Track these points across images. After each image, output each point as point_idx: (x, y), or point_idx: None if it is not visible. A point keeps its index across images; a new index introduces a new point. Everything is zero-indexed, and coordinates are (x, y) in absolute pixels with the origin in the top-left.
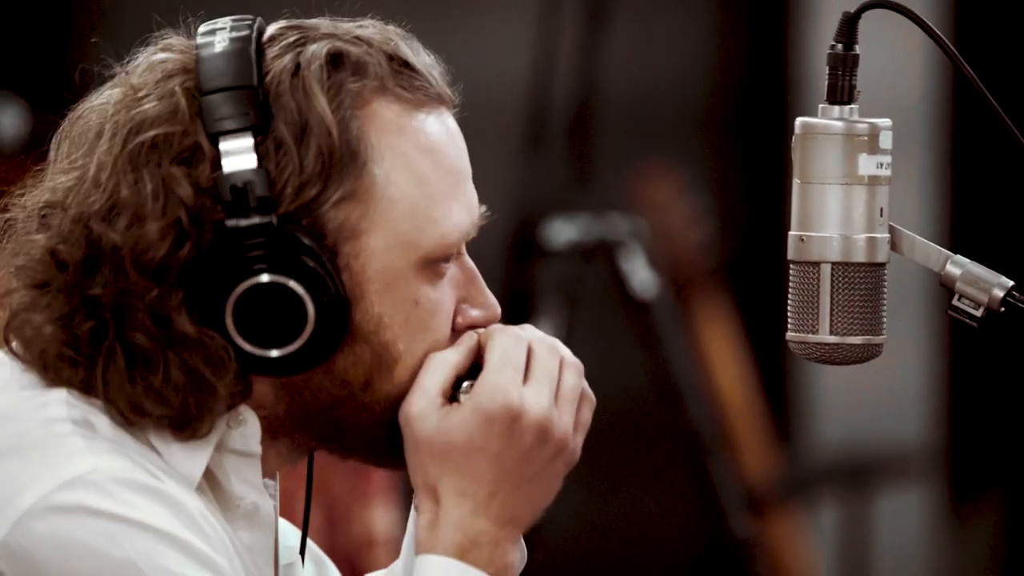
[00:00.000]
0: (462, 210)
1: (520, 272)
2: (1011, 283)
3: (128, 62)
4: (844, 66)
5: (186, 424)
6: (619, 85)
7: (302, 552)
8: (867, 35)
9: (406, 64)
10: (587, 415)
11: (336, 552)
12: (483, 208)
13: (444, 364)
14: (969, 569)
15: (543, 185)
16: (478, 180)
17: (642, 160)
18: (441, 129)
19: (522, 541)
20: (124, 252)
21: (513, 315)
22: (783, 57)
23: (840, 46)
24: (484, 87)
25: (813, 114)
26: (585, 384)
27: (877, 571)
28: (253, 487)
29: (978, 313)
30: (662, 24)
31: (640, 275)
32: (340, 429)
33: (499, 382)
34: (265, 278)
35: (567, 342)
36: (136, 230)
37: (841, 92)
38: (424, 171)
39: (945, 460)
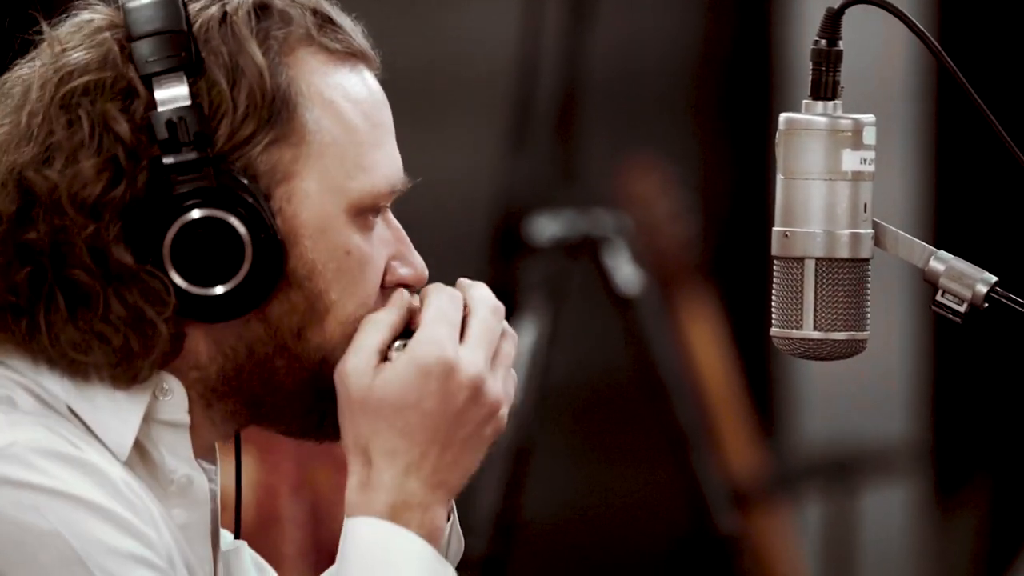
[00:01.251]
0: (390, 163)
1: (504, 268)
2: (995, 279)
3: (54, 27)
4: (828, 62)
5: (128, 365)
6: (604, 81)
7: (237, 535)
8: (851, 31)
9: (329, 19)
10: (512, 390)
11: (320, 548)
12: (408, 177)
13: (380, 324)
14: (954, 564)
15: (527, 181)
16: (464, 174)
17: (626, 156)
18: (364, 85)
19: (459, 529)
20: (60, 191)
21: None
22: (768, 52)
23: (824, 42)
24: (467, 82)
25: (797, 110)
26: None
27: (862, 566)
28: (184, 460)
29: (962, 309)
30: (647, 19)
31: (624, 271)
32: (272, 387)
33: (435, 336)
34: (202, 213)
35: (551, 338)
36: (72, 168)
37: (825, 88)
38: (352, 119)
39: (929, 455)
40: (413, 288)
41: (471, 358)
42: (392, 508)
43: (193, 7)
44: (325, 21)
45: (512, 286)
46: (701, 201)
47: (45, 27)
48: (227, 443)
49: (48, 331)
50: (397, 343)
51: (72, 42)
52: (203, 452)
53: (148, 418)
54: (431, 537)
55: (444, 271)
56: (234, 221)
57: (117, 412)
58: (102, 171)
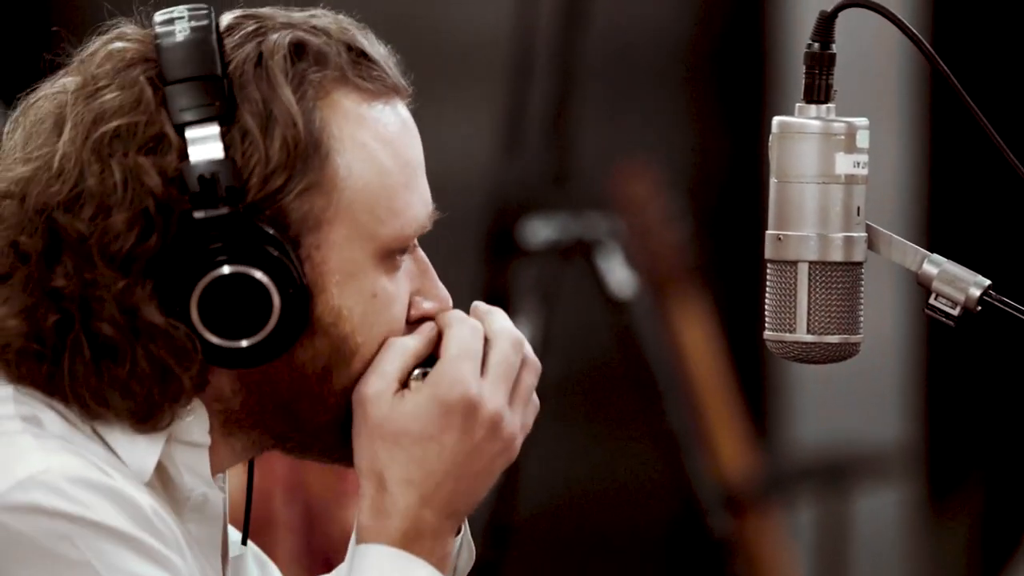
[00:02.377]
0: (419, 202)
1: (498, 271)
2: (988, 282)
3: (81, 50)
4: (821, 65)
5: (150, 416)
6: (596, 83)
7: (244, 541)
8: (844, 34)
9: (363, 54)
10: (531, 419)
11: (314, 552)
12: (434, 206)
13: (404, 350)
14: (946, 567)
15: (520, 184)
16: (457, 177)
17: (620, 159)
18: (397, 120)
19: (470, 540)
20: (91, 242)
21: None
22: (762, 54)
23: (817, 45)
24: (460, 83)
25: (791, 113)
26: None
27: (855, 569)
28: (202, 479)
29: (955, 312)
30: (640, 19)
31: (617, 274)
32: (296, 424)
33: (458, 373)
34: (231, 269)
35: (545, 341)
36: (102, 220)
37: (818, 91)
38: (384, 162)
39: (923, 458)
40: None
41: (492, 395)
42: (405, 536)
43: (229, 42)
44: (359, 57)
45: (505, 289)
46: (694, 204)
47: (74, 53)
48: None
49: (71, 380)
50: (417, 371)
51: (104, 77)
52: (218, 470)
53: (169, 438)
54: (440, 565)
55: (439, 274)
56: (262, 277)
57: (140, 439)
58: (133, 224)
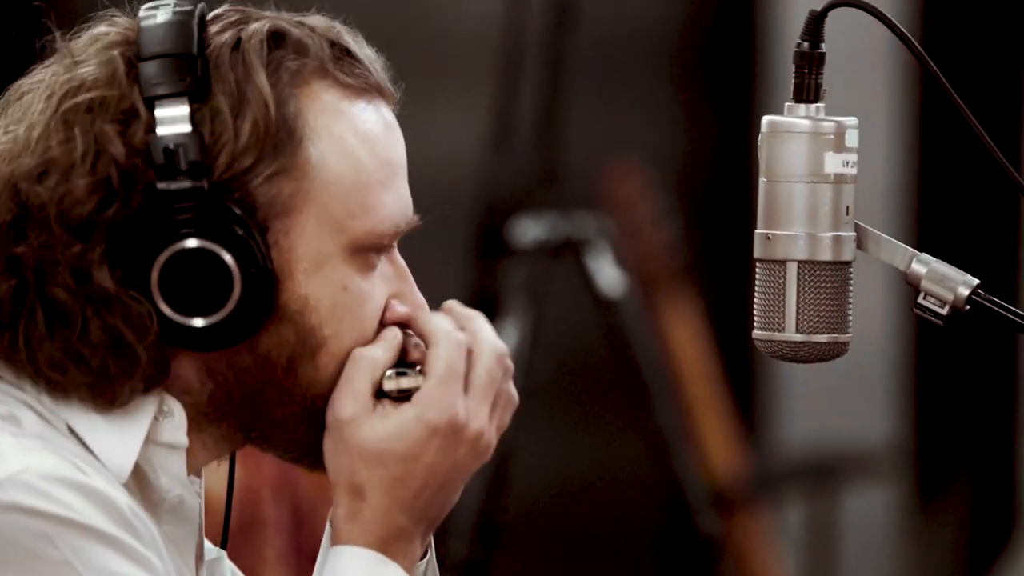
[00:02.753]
0: (395, 202)
1: (486, 270)
2: (976, 281)
3: (71, 38)
4: (810, 64)
5: (106, 388)
6: (589, 82)
7: (224, 545)
8: (833, 33)
9: (347, 52)
10: (507, 418)
11: (302, 552)
12: (416, 216)
13: (372, 364)
14: (935, 566)
15: (509, 183)
16: (446, 176)
17: (609, 159)
18: (379, 119)
19: (436, 564)
20: (49, 208)
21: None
22: (753, 55)
23: (806, 44)
24: (451, 82)
25: (780, 112)
26: (512, 386)
27: (843, 568)
28: (179, 481)
29: (944, 311)
30: (634, 20)
31: (607, 273)
32: (262, 416)
33: (446, 397)
34: (192, 243)
35: (534, 341)
36: (63, 186)
37: (807, 91)
38: (360, 157)
39: (911, 458)
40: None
41: (477, 414)
42: (381, 540)
43: (211, 30)
44: (342, 54)
45: (494, 288)
46: (683, 203)
47: (59, 38)
48: (221, 463)
49: (26, 347)
50: (391, 372)
51: (85, 56)
52: (194, 470)
53: (148, 439)
54: (410, 568)
55: (427, 273)
56: (224, 253)
57: (118, 434)
58: (93, 191)
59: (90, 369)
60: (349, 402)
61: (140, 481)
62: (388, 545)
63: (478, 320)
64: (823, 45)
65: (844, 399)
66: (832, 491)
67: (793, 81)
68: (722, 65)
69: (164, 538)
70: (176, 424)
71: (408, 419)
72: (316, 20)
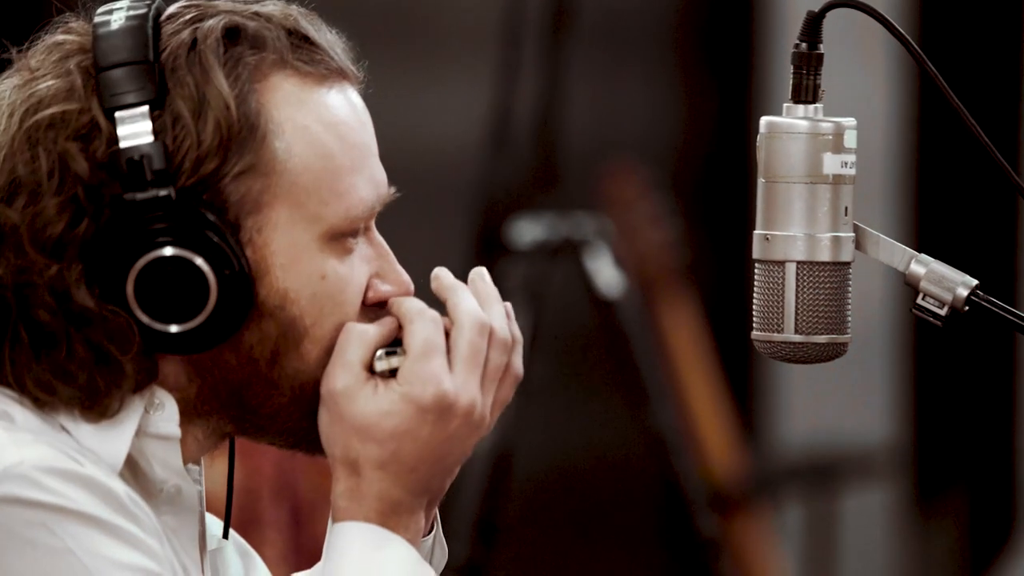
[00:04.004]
0: (367, 184)
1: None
2: (975, 282)
3: (28, 47)
4: (808, 65)
5: (95, 402)
6: (586, 83)
7: (225, 535)
8: (832, 34)
9: (306, 39)
10: (508, 392)
11: (301, 551)
12: (392, 188)
13: (364, 337)
14: (934, 567)
15: (508, 184)
16: (444, 180)
17: (608, 159)
18: (344, 103)
19: (443, 538)
20: (22, 230)
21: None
22: (750, 56)
23: (804, 45)
24: (449, 82)
25: (779, 113)
26: (516, 360)
27: (842, 569)
28: (174, 471)
29: (942, 312)
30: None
31: (606, 274)
32: (251, 409)
33: (428, 372)
34: (165, 251)
35: (532, 341)
36: (33, 208)
37: (806, 91)
38: (327, 144)
39: (910, 459)
40: None
41: (464, 387)
42: (381, 514)
43: (166, 30)
44: (301, 41)
45: None
46: (682, 204)
47: (14, 52)
48: (215, 454)
49: (12, 368)
50: (380, 352)
51: (42, 68)
52: (190, 462)
53: (139, 432)
54: (414, 540)
55: (426, 274)
56: (196, 258)
57: (109, 428)
58: (63, 210)
59: (78, 385)
60: (341, 373)
61: (135, 473)
62: (388, 518)
63: (460, 290)
64: (821, 46)
65: (844, 399)
66: (831, 491)
67: (791, 82)
68: (722, 66)
69: (165, 528)
70: (167, 416)
71: (395, 397)
72: (272, 8)
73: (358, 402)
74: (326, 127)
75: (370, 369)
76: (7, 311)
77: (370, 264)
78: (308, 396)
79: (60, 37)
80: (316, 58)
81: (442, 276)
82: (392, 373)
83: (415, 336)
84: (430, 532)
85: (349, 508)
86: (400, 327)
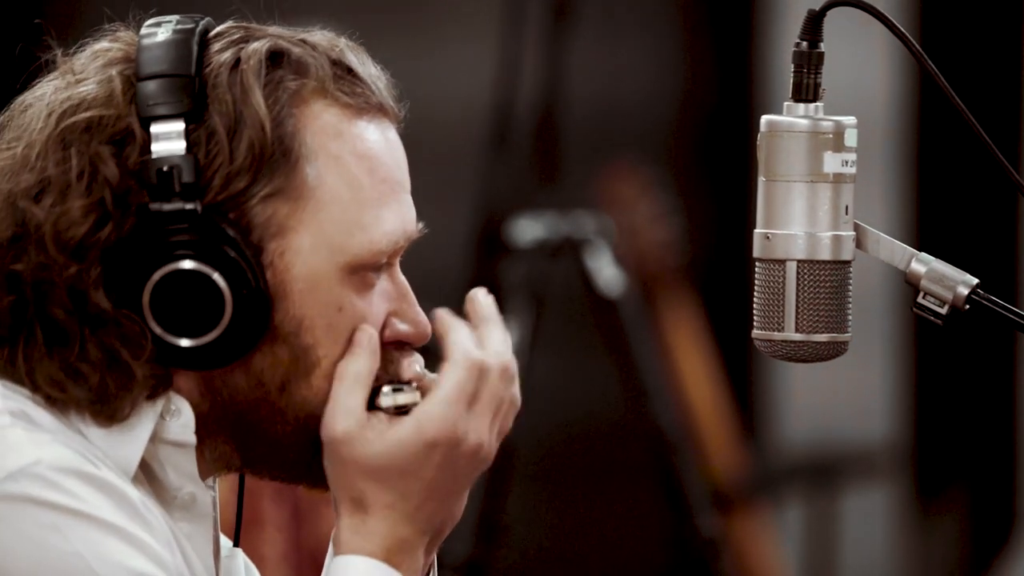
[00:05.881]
0: (395, 219)
1: (486, 270)
2: (976, 281)
3: (75, 52)
4: (809, 64)
5: (105, 404)
6: (585, 83)
7: (236, 543)
8: (832, 33)
9: (349, 70)
10: (509, 422)
11: (302, 551)
12: (420, 224)
13: (357, 377)
14: (935, 566)
15: (509, 183)
16: (444, 177)
17: (608, 158)
18: (380, 138)
19: (435, 560)
20: (45, 228)
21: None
22: (748, 57)
23: (805, 44)
24: (450, 85)
25: (779, 112)
26: (515, 389)
27: (843, 569)
28: (189, 477)
29: (943, 311)
30: (628, 25)
31: (606, 273)
32: (256, 435)
33: (448, 415)
34: (184, 264)
35: (533, 340)
36: (59, 207)
37: (806, 90)
38: (358, 176)
39: (911, 458)
40: (414, 345)
41: (478, 429)
42: (387, 551)
43: (212, 49)
44: (344, 72)
45: (494, 288)
46: (683, 203)
47: (59, 54)
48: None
49: (26, 363)
50: (387, 388)
51: (85, 73)
52: (204, 475)
53: (155, 438)
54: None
55: (427, 274)
56: (215, 275)
57: (123, 432)
58: (88, 213)
59: (89, 387)
60: (341, 419)
61: (150, 478)
62: (392, 555)
63: (492, 328)
64: (822, 44)
65: (844, 398)
66: (832, 490)
67: (792, 80)
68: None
69: (179, 535)
70: (184, 422)
71: (406, 435)
72: (319, 37)
73: (363, 445)
74: (359, 159)
75: (372, 405)
76: (24, 307)
77: (390, 302)
78: (313, 429)
79: (106, 44)
80: (357, 91)
81: (478, 307)
82: (399, 410)
83: (449, 378)
84: (427, 572)
85: (352, 542)
86: (399, 361)
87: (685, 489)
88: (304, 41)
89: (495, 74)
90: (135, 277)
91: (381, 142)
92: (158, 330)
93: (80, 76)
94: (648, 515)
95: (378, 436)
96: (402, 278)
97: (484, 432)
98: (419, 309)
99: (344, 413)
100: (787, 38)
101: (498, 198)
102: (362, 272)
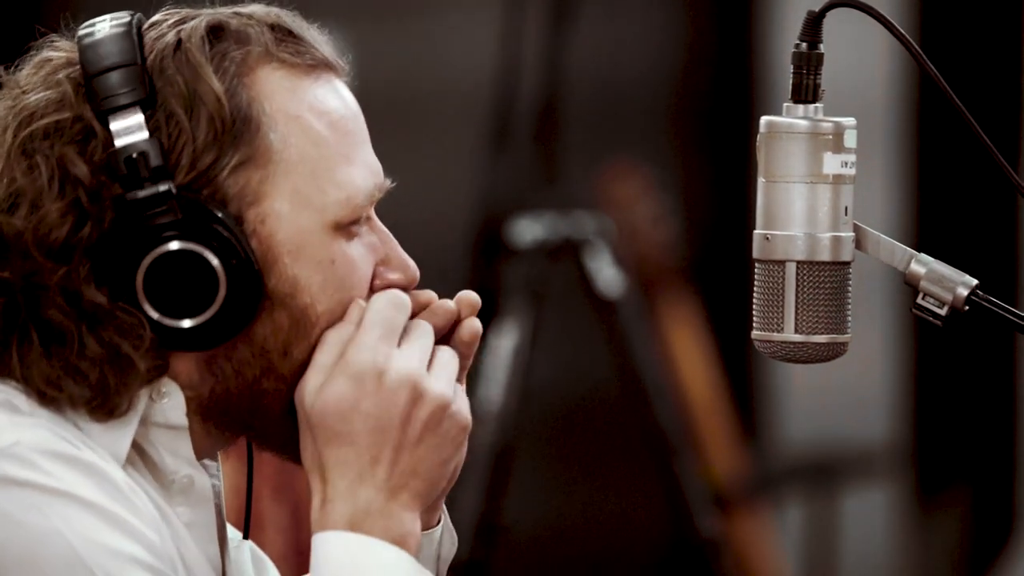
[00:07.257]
0: (365, 172)
1: (486, 271)
2: (975, 282)
3: (16, 69)
4: (808, 65)
5: (105, 400)
6: (585, 83)
7: (246, 535)
8: (832, 34)
9: (290, 32)
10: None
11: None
12: (388, 180)
13: (339, 339)
14: (935, 566)
15: (508, 183)
16: (444, 178)
17: (608, 158)
18: (333, 93)
19: (451, 528)
20: (27, 237)
21: (479, 314)
22: (748, 55)
23: (804, 45)
24: (448, 85)
25: (779, 113)
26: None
27: (843, 569)
28: (185, 460)
29: (942, 312)
30: (628, 22)
31: (606, 273)
32: (261, 412)
33: (366, 341)
34: (171, 246)
35: (533, 341)
36: (36, 214)
37: (806, 91)
38: (321, 132)
39: (911, 458)
40: (406, 290)
41: (402, 358)
42: (351, 519)
43: (149, 36)
44: (285, 35)
45: (494, 289)
46: (682, 204)
47: (1, 71)
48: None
49: (20, 365)
50: None
51: (31, 84)
52: (204, 455)
53: (145, 421)
54: (402, 543)
55: (426, 274)
56: (203, 251)
57: (116, 424)
58: (66, 214)
59: (89, 384)
60: (311, 375)
61: (146, 462)
62: (360, 522)
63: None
64: (821, 45)
65: (843, 399)
66: (832, 491)
67: (791, 81)
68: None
69: (179, 521)
70: (173, 405)
71: (336, 373)
72: (254, 7)
73: (311, 396)
74: (318, 116)
75: None
76: (16, 311)
77: (375, 252)
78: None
79: (47, 54)
80: (301, 50)
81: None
82: None
83: (368, 311)
84: (437, 523)
85: (320, 518)
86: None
87: (685, 489)
88: (238, 12)
89: (496, 63)
90: (125, 267)
91: (336, 97)
92: (156, 316)
93: (27, 87)
94: (648, 515)
95: (324, 387)
96: (381, 226)
97: (414, 363)
98: (404, 254)
99: (316, 371)
100: (787, 36)
101: (498, 199)
102: (344, 226)
